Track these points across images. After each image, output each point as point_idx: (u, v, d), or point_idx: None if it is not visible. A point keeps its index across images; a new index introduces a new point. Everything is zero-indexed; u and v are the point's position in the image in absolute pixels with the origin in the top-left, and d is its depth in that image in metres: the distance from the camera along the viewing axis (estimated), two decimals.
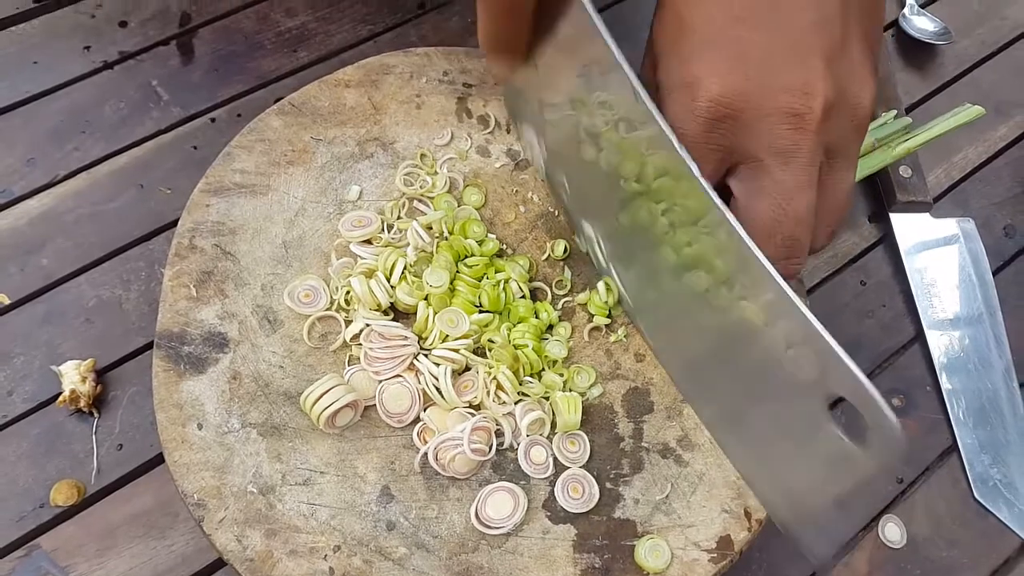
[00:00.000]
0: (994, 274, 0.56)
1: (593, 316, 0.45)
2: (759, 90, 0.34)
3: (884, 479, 0.31)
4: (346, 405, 0.39)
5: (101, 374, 0.47)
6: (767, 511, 0.40)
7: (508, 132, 0.50)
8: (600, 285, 0.44)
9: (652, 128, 0.34)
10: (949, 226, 0.57)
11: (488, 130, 0.49)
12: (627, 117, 0.36)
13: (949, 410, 0.51)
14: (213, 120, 0.56)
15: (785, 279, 0.32)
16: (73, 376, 0.46)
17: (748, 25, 0.34)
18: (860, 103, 0.35)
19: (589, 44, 0.36)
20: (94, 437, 0.46)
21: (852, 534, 0.36)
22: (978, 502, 0.49)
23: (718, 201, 0.33)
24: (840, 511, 0.35)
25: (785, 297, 0.32)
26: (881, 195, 0.58)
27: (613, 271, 0.44)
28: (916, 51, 0.65)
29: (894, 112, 0.49)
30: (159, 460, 0.46)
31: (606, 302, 0.44)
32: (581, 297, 0.45)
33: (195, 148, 0.54)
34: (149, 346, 0.48)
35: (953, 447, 0.51)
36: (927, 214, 0.58)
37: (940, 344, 0.53)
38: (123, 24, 0.59)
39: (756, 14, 0.34)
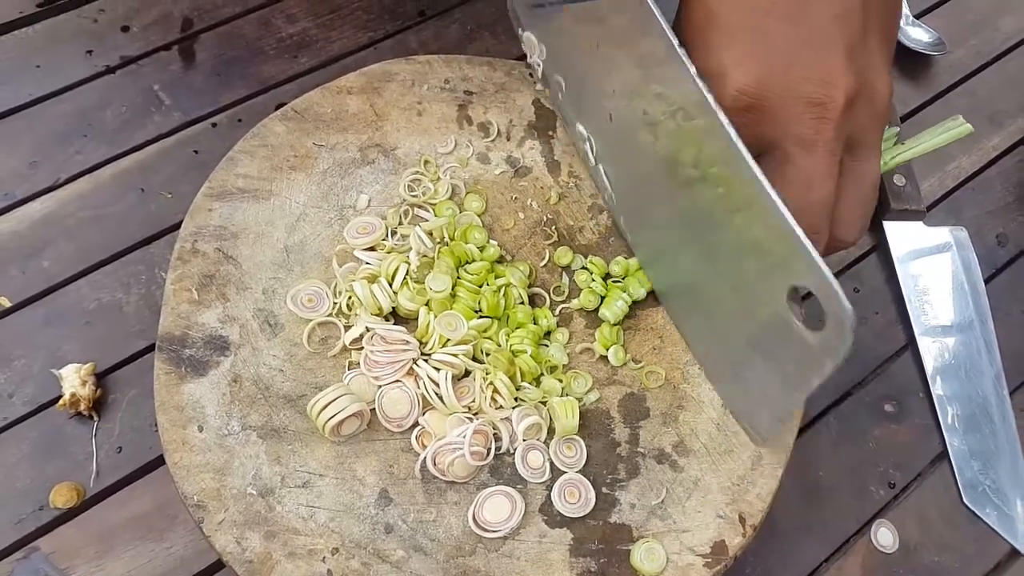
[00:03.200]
0: (986, 282, 0.57)
1: (592, 321, 0.45)
2: (783, 80, 0.35)
3: (833, 363, 0.33)
4: (352, 414, 0.39)
5: (101, 377, 0.48)
6: (717, 391, 0.43)
7: (508, 139, 0.50)
8: (604, 327, 0.45)
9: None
10: (942, 234, 0.58)
11: (489, 138, 0.50)
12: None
13: (940, 417, 0.52)
14: (214, 125, 0.56)
15: None
16: (73, 379, 0.46)
17: (773, 17, 0.36)
18: (879, 94, 0.37)
19: None
20: (93, 440, 0.46)
21: (793, 412, 0.40)
22: (968, 508, 0.50)
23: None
24: (788, 393, 0.37)
25: (763, 191, 0.34)
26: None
27: (601, 167, 0.46)
28: (911, 61, 0.66)
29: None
30: (158, 463, 0.46)
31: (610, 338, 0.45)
32: (575, 303, 0.46)
33: (196, 152, 0.55)
34: (149, 349, 0.49)
35: (944, 453, 0.51)
36: (920, 222, 0.58)
37: (932, 351, 0.54)
38: (125, 29, 0.59)
39: (781, 6, 0.36)
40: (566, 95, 0.46)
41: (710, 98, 0.35)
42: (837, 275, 0.57)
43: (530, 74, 0.51)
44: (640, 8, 0.37)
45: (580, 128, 0.46)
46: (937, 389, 0.53)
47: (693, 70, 0.35)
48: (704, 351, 0.44)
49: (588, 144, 0.46)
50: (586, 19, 0.42)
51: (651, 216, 0.43)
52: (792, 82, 0.35)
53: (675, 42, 0.36)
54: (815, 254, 0.32)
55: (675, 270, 0.43)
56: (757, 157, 0.37)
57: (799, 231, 0.33)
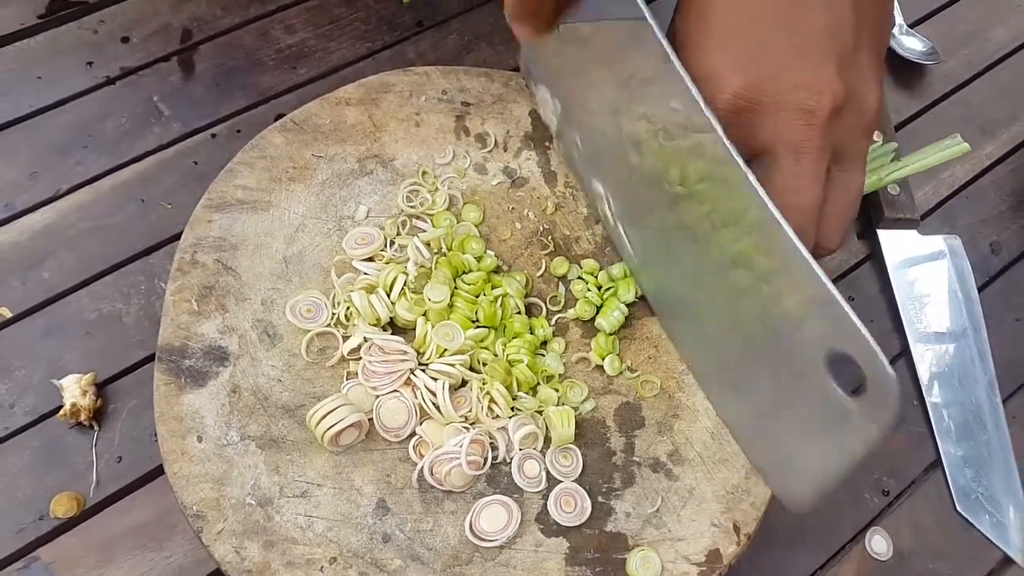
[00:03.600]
0: (979, 290, 0.58)
1: (588, 331, 0.46)
2: (775, 85, 0.36)
3: (879, 433, 0.32)
4: (351, 424, 0.40)
5: (101, 387, 0.48)
6: (745, 453, 0.42)
7: (505, 150, 0.51)
8: (600, 336, 0.45)
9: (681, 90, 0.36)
10: (936, 243, 0.59)
11: (486, 149, 0.50)
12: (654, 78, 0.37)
13: (934, 424, 0.53)
14: (214, 136, 0.57)
15: None
16: (74, 390, 0.46)
17: (767, 25, 0.37)
18: (867, 105, 0.38)
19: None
20: (94, 450, 0.47)
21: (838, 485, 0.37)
22: (961, 515, 0.50)
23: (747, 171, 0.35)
24: (828, 462, 0.35)
25: (798, 254, 0.33)
26: (870, 212, 0.60)
27: (620, 227, 0.45)
28: (905, 70, 0.67)
29: (881, 138, 0.51)
30: (158, 472, 0.46)
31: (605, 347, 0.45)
32: (571, 312, 0.46)
33: (196, 163, 0.55)
34: (149, 359, 0.49)
35: (938, 461, 0.52)
36: (915, 231, 0.59)
37: (926, 359, 0.55)
38: (125, 40, 0.60)
39: (775, 15, 0.37)
40: (582, 153, 0.46)
41: (735, 153, 0.35)
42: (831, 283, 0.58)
43: (527, 84, 0.52)
44: (654, 49, 0.37)
45: (597, 186, 0.45)
46: (931, 397, 0.53)
47: (716, 123, 0.35)
48: (734, 415, 0.42)
49: (606, 203, 0.45)
50: (599, 59, 0.41)
51: (674, 279, 0.42)
52: (783, 88, 0.36)
53: (694, 91, 0.35)
54: (855, 318, 0.32)
55: (703, 330, 0.42)
56: (747, 163, 0.37)
57: (838, 295, 0.32)
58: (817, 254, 0.40)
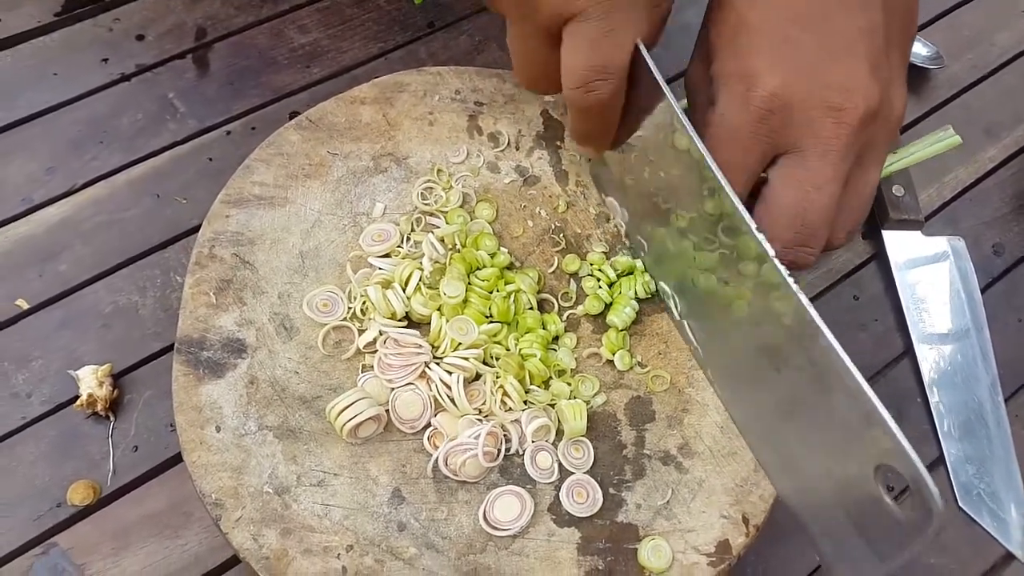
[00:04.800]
0: (982, 291, 0.58)
1: (599, 326, 0.46)
2: (808, 85, 0.37)
3: (922, 539, 0.33)
4: (370, 418, 0.41)
5: (117, 378, 0.49)
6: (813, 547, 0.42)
7: (517, 149, 0.51)
8: (611, 332, 0.46)
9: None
10: (940, 244, 0.59)
11: (499, 148, 0.51)
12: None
13: (937, 422, 0.53)
14: (228, 133, 0.57)
15: (794, 269, 0.35)
16: (90, 380, 0.47)
17: (802, 27, 0.38)
18: (895, 108, 0.39)
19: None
20: (110, 439, 0.47)
21: None
22: (963, 511, 0.51)
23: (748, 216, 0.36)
24: (877, 564, 0.37)
25: (846, 370, 0.34)
26: (874, 213, 0.60)
27: (686, 323, 0.46)
28: (910, 74, 0.66)
29: None
30: (173, 462, 0.47)
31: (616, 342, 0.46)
32: (581, 308, 0.47)
33: (210, 160, 0.56)
34: (165, 351, 0.50)
35: (941, 458, 0.53)
36: (919, 232, 0.60)
37: (929, 358, 0.55)
38: (140, 38, 0.60)
39: (810, 17, 0.38)
40: (648, 256, 0.47)
41: (770, 251, 0.36)
42: (836, 283, 0.58)
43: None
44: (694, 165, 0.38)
45: (663, 286, 0.47)
46: (934, 396, 0.54)
47: (754, 226, 0.36)
48: (802, 511, 0.42)
49: (672, 301, 0.46)
50: (652, 186, 0.43)
51: (739, 381, 0.43)
52: (816, 88, 0.37)
53: (737, 202, 0.36)
54: (902, 438, 0.33)
55: (764, 427, 0.43)
56: (775, 159, 0.38)
57: (886, 414, 0.33)
58: (823, 250, 0.41)
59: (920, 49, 0.67)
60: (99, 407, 0.47)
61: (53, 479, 0.46)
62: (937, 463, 0.52)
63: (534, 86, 0.44)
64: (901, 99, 0.39)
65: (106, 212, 0.54)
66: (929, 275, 0.58)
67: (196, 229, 0.46)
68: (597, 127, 0.42)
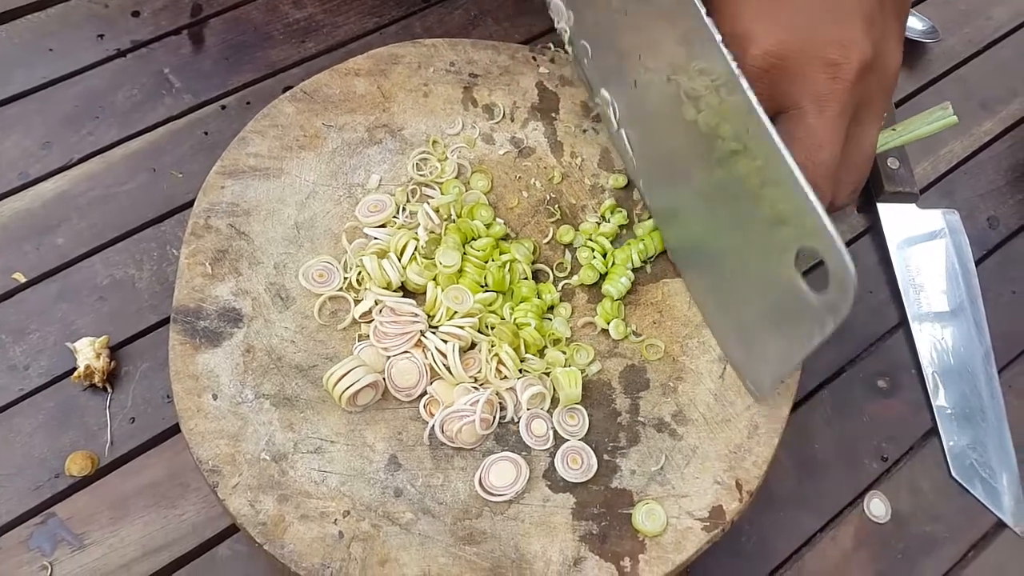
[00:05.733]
0: (977, 263, 0.59)
1: (593, 296, 0.47)
2: (804, 43, 0.38)
3: (835, 321, 0.35)
4: (367, 385, 0.41)
5: (114, 350, 0.49)
6: (720, 346, 0.44)
7: (512, 121, 0.51)
8: (606, 301, 0.46)
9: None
10: (935, 217, 0.60)
11: (494, 119, 0.51)
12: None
13: (931, 393, 0.54)
14: (223, 107, 0.57)
15: None
16: (88, 352, 0.47)
17: None
18: (890, 64, 0.39)
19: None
20: (107, 410, 0.48)
21: (793, 370, 0.42)
22: (956, 480, 0.51)
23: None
24: (789, 352, 0.39)
25: (777, 153, 0.35)
26: (870, 185, 0.61)
27: (623, 132, 0.46)
28: (905, 48, 0.67)
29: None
30: (170, 433, 0.47)
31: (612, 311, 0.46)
32: (576, 279, 0.47)
33: (206, 134, 0.56)
34: (161, 323, 0.50)
35: (935, 428, 0.53)
36: (914, 205, 0.60)
37: (924, 330, 0.56)
38: (136, 14, 0.60)
39: None
40: (591, 61, 0.48)
41: (733, 64, 0.36)
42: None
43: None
44: None
45: (604, 93, 0.47)
46: (928, 366, 0.54)
47: (719, 38, 0.36)
48: (712, 310, 0.45)
49: (612, 109, 0.47)
50: None
51: (670, 180, 0.45)
52: (812, 44, 0.37)
53: (703, 11, 0.37)
54: (824, 215, 0.34)
55: (690, 231, 0.45)
56: (772, 119, 0.38)
57: (810, 193, 0.34)
58: (829, 210, 0.41)
59: (916, 23, 0.67)
60: (96, 379, 0.47)
61: (51, 450, 0.46)
62: (931, 434, 0.53)
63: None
64: (896, 55, 0.39)
65: (102, 186, 0.54)
66: (924, 248, 0.58)
67: (192, 203, 0.46)
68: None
